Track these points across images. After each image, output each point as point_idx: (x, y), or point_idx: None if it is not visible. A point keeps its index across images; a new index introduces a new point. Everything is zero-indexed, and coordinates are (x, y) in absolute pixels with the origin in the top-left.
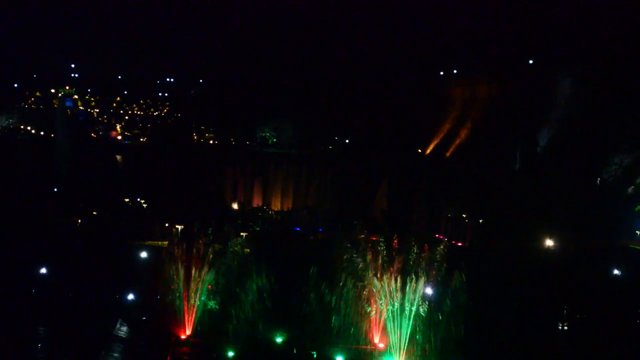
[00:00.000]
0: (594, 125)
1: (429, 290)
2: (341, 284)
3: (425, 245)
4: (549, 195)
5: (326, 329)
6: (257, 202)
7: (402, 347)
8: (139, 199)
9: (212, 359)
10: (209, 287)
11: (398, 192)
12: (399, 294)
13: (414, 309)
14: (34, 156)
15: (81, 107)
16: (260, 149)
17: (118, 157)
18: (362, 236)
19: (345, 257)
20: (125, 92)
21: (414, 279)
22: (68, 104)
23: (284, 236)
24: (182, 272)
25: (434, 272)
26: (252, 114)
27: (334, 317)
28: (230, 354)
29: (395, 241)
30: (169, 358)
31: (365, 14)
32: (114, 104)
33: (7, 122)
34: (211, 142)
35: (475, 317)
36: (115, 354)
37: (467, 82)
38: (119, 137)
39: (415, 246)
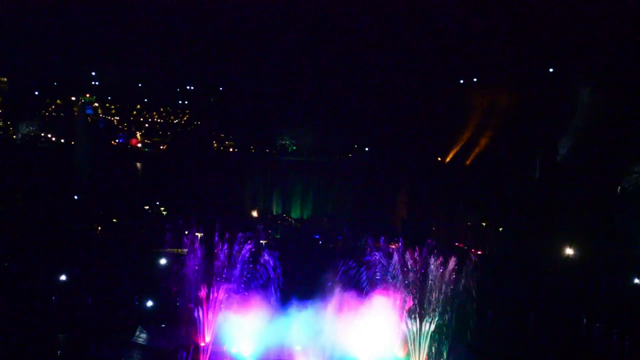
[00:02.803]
0: (614, 133)
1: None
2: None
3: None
4: (569, 204)
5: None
6: (276, 209)
7: (421, 356)
8: (158, 207)
9: None
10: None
11: (418, 201)
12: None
13: (433, 322)
14: (54, 164)
15: (101, 115)
16: (279, 157)
17: (138, 164)
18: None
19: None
20: (146, 100)
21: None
22: (88, 111)
23: (304, 244)
24: (201, 279)
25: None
26: (272, 122)
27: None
28: None
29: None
30: None
31: (385, 22)
32: (134, 112)
33: (27, 129)
34: (231, 149)
35: (492, 325)
36: None
37: (487, 90)
38: (139, 145)
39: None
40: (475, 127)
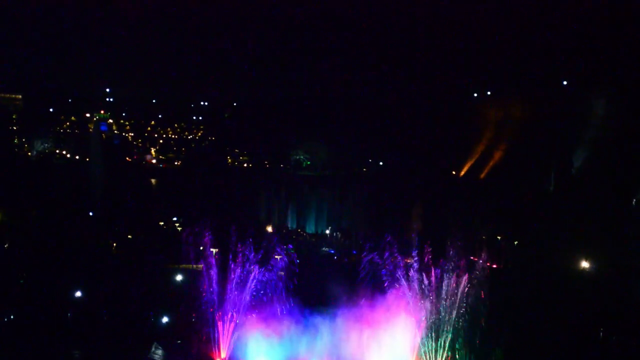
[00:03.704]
0: (629, 145)
1: None
2: None
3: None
4: (584, 217)
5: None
6: (291, 224)
7: None
8: (173, 222)
9: None
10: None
11: (432, 214)
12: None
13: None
14: (69, 180)
15: (116, 131)
16: (294, 172)
17: (152, 180)
18: None
19: None
20: (160, 116)
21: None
22: (103, 128)
23: (317, 258)
24: (217, 295)
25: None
26: (286, 137)
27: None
28: None
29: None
30: None
31: (399, 37)
32: (149, 128)
33: (42, 146)
34: (245, 165)
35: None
36: None
37: (501, 104)
38: (154, 161)
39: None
40: (489, 140)
